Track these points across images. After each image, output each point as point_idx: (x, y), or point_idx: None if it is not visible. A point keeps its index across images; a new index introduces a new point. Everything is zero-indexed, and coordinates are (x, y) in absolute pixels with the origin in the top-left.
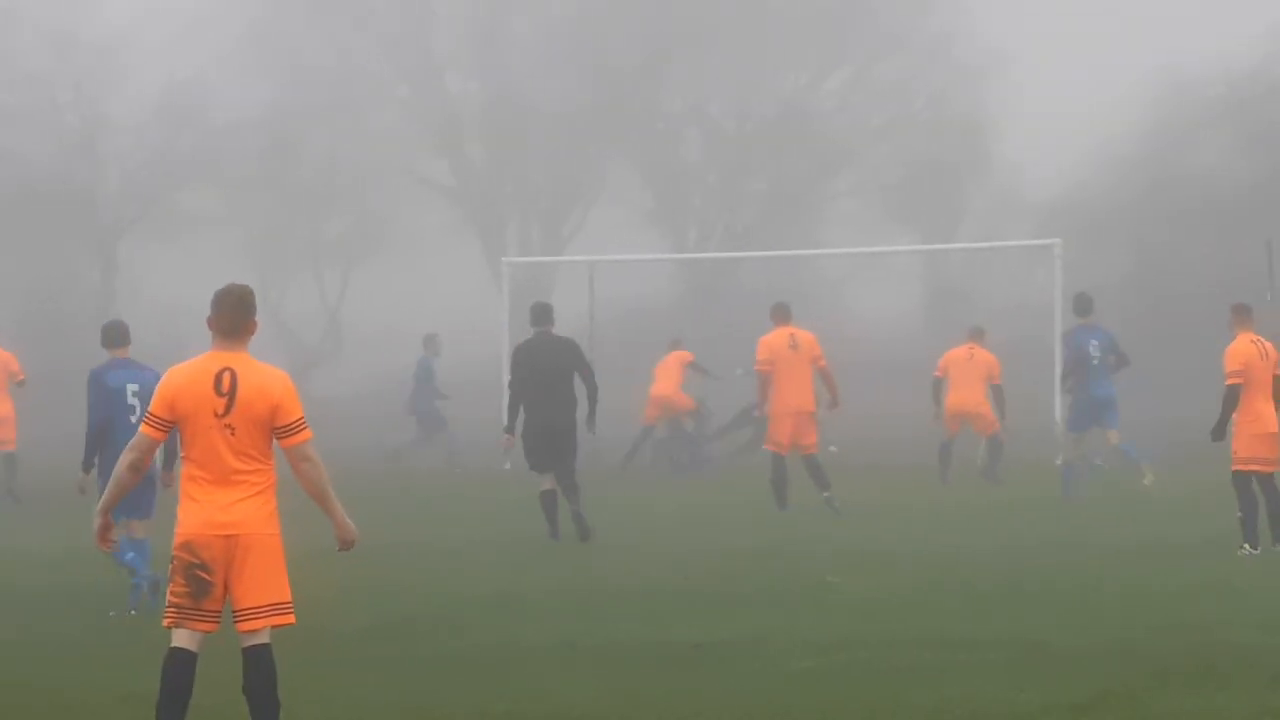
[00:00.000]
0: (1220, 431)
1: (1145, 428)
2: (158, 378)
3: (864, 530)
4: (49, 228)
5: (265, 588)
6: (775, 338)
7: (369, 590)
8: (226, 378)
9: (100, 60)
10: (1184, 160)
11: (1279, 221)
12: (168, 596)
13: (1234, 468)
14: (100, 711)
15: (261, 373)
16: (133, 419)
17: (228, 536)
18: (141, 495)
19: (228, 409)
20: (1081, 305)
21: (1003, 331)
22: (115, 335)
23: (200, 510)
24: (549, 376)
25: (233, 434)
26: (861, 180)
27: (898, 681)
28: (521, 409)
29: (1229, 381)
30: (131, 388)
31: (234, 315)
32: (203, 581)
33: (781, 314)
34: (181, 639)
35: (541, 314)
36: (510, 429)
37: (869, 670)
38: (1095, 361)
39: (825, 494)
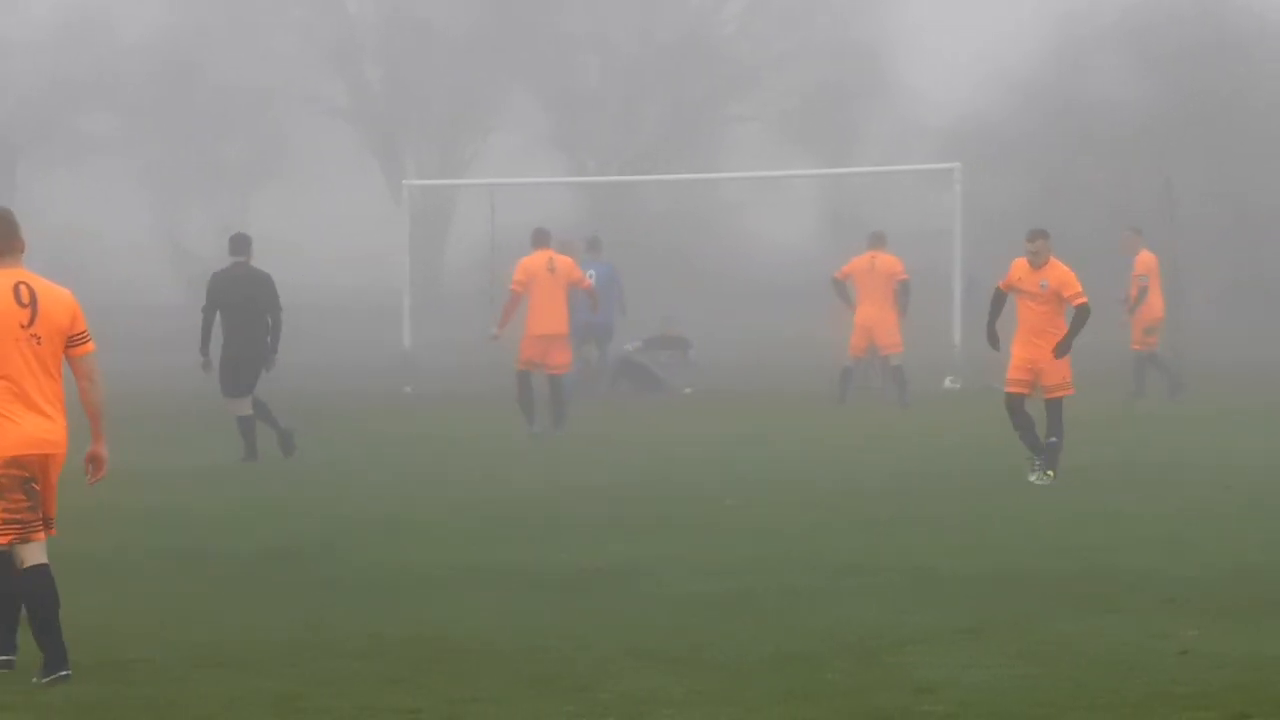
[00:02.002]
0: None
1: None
2: None
3: (759, 457)
4: None
5: (54, 501)
6: (534, 260)
7: (259, 512)
8: (24, 290)
9: None
10: (1083, 87)
11: (1176, 147)
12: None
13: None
14: None
15: (52, 285)
16: None
17: (47, 455)
18: None
19: (32, 319)
20: (593, 244)
21: (901, 257)
22: None
23: (22, 426)
24: (243, 307)
25: (39, 343)
26: (762, 105)
27: (790, 605)
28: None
29: (1085, 301)
30: None
31: (4, 235)
32: (36, 494)
33: (541, 238)
34: (34, 554)
35: (240, 245)
36: (205, 352)
37: (762, 594)
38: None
39: (557, 430)
